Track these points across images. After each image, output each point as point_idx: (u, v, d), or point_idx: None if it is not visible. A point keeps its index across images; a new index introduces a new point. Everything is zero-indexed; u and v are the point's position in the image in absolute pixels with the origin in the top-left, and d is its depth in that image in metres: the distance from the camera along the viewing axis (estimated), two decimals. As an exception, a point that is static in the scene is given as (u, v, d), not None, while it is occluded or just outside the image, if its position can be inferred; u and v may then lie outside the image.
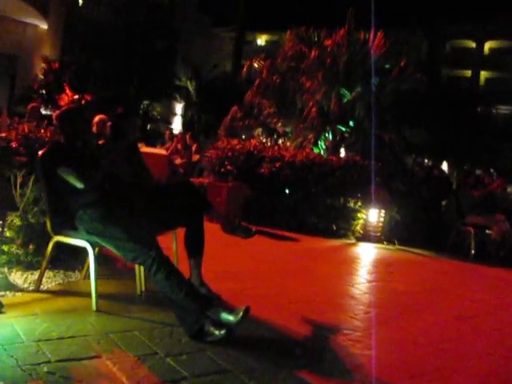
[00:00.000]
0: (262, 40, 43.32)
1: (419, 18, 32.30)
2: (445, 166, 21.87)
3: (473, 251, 8.57)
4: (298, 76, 11.64)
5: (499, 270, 7.90)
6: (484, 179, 10.04)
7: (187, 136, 14.10)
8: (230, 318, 3.30)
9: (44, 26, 18.25)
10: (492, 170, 13.80)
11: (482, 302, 5.57)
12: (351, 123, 11.42)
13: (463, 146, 19.54)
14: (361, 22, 11.74)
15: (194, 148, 13.29)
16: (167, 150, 13.14)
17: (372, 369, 3.30)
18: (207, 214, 4.30)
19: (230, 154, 9.57)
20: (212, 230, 4.42)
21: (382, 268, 7.10)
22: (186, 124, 25.03)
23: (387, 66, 12.03)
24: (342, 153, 11.49)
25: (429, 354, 3.69)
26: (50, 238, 3.92)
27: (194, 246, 4.11)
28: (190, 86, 24.77)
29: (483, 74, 39.61)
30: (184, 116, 26.36)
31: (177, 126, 27.37)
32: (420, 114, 16.04)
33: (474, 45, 40.45)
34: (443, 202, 9.55)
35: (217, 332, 3.29)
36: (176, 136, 14.62)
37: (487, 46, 40.28)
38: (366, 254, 7.90)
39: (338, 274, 6.18)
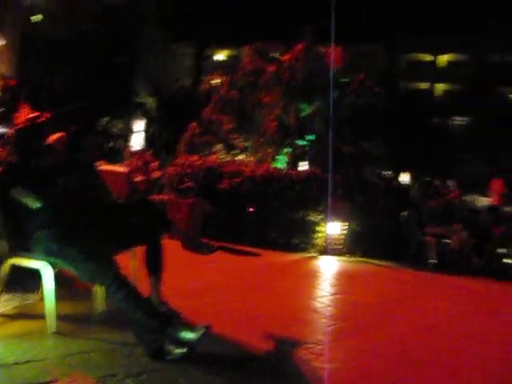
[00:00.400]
0: (222, 55, 43.35)
1: (378, 32, 32.98)
2: (407, 178, 22.20)
3: (434, 260, 8.69)
4: (257, 91, 11.72)
5: (459, 279, 8.01)
6: (440, 190, 10.21)
7: (147, 153, 14.02)
8: (191, 335, 3.26)
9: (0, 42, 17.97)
10: (449, 181, 14.02)
11: (443, 311, 5.63)
12: (311, 137, 11.52)
13: (421, 157, 19.91)
14: (321, 36, 11.89)
15: (154, 165, 13.20)
16: (127, 167, 13.02)
17: (335, 382, 3.30)
18: (167, 232, 4.25)
19: (189, 170, 9.54)
20: (173, 246, 4.39)
21: (344, 280, 7.14)
22: (147, 140, 24.92)
23: (346, 80, 12.20)
24: (305, 166, 11.56)
25: (392, 364, 3.70)
26: (4, 261, 3.83)
27: (154, 264, 4.05)
28: (151, 103, 24.71)
29: (439, 87, 40.47)
30: (146, 132, 26.25)
31: (136, 143, 27.18)
32: (378, 127, 16.26)
33: (430, 58, 41.31)
34: (402, 213, 9.65)
35: (177, 350, 3.24)
36: (136, 153, 14.52)
37: (443, 58, 41.18)
38: (328, 267, 7.93)
39: (299, 288, 6.19)
